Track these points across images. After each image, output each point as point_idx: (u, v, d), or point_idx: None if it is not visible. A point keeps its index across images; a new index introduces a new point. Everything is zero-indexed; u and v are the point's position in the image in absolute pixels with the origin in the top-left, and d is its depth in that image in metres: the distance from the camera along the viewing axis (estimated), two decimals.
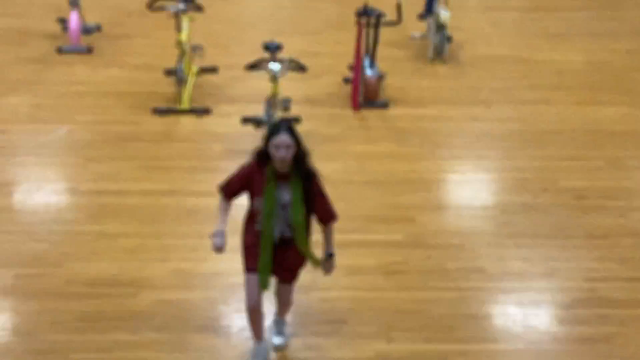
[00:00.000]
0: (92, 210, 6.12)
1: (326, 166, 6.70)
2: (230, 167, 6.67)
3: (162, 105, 7.76)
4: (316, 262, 4.47)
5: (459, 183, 6.73)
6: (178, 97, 7.79)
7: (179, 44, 7.66)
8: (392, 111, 7.88)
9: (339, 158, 6.98)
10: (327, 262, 4.51)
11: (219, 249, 4.39)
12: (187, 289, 5.35)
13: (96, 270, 5.48)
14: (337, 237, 5.82)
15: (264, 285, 4.39)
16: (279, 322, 4.90)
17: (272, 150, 4.14)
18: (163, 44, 9.11)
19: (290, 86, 8.07)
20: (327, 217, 4.39)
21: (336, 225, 5.99)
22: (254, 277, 4.38)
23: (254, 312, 4.47)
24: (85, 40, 9.08)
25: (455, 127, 7.63)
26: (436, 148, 7.20)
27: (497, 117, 7.84)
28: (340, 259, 5.64)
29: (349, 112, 7.82)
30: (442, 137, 7.42)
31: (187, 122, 7.53)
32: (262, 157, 4.22)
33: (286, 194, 4.24)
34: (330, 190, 6.42)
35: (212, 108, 7.73)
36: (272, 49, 6.98)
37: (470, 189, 6.62)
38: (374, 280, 5.49)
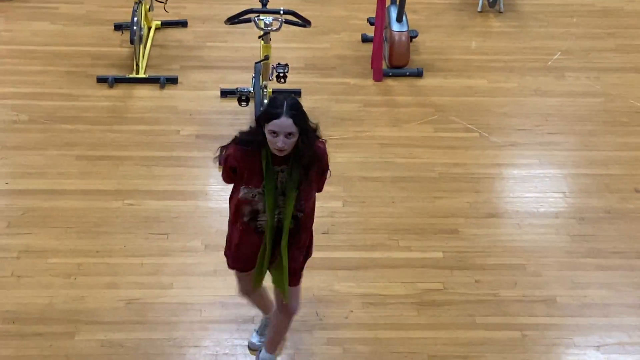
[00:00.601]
0: (13, 218, 6.13)
1: (337, 157, 6.75)
2: (204, 158, 6.75)
3: (110, 72, 7.77)
4: (279, 275, 4.63)
5: (520, 181, 6.73)
6: (132, 62, 7.80)
7: None
8: (428, 81, 7.89)
9: (355, 146, 7.00)
10: None
11: None
12: (145, 326, 5.35)
13: (18, 300, 5.47)
14: (352, 254, 5.89)
15: (256, 284, 4.75)
16: None
17: (269, 136, 4.28)
18: None
19: (288, 47, 8.07)
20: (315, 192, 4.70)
21: (351, 240, 6.05)
22: (244, 275, 4.80)
23: (248, 295, 4.96)
24: None
25: (514, 103, 7.63)
26: (488, 132, 7.21)
27: (572, 89, 7.84)
28: (356, 286, 5.67)
29: (368, 82, 7.83)
30: (495, 117, 7.43)
31: (145, 96, 7.54)
32: (253, 144, 4.36)
33: (285, 178, 4.45)
34: (343, 190, 6.46)
35: (180, 76, 7.75)
36: None
37: (534, 189, 6.63)
38: (402, 315, 5.50)
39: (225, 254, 4.79)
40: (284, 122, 4.20)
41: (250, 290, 4.86)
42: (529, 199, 6.52)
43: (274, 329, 4.98)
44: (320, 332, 5.34)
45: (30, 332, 5.26)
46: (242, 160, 4.41)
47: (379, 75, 7.85)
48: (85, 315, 5.38)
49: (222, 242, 5.81)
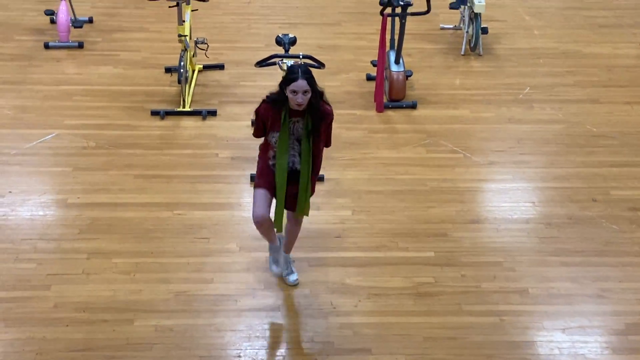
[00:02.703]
0: (83, 226, 6.13)
1: (347, 174, 6.75)
2: (238, 176, 6.74)
3: (162, 106, 7.78)
4: (306, 208, 5.19)
5: (497, 193, 6.70)
6: (179, 98, 7.82)
7: (181, 37, 7.68)
8: (421, 112, 7.86)
9: (361, 165, 6.97)
10: None
11: None
12: (191, 314, 5.33)
13: (88, 293, 5.48)
14: (360, 254, 5.87)
15: (279, 228, 5.21)
16: (287, 260, 5.50)
17: (290, 95, 4.86)
18: (162, 38, 9.14)
19: None
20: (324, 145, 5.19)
21: (359, 242, 6.03)
22: (262, 193, 5.16)
23: (260, 225, 5.21)
24: (75, 35, 9.13)
25: (492, 129, 7.60)
26: (470, 153, 7.17)
27: (539, 118, 7.80)
28: (363, 280, 5.64)
29: (372, 113, 7.81)
30: (477, 141, 7.40)
31: (190, 126, 7.54)
32: (278, 102, 4.94)
33: (300, 128, 5.00)
34: (352, 202, 6.44)
35: (218, 110, 7.75)
36: (286, 43, 6.98)
37: (509, 199, 6.59)
38: (401, 304, 5.46)
39: (256, 179, 5.23)
40: (301, 83, 4.82)
41: (262, 216, 5.13)
42: (504, 208, 6.48)
43: (289, 236, 5.41)
44: (335, 318, 5.31)
45: (98, 319, 5.25)
46: (269, 113, 4.99)
47: (381, 107, 7.83)
48: (142, 305, 5.38)
49: (254, 244, 5.87)
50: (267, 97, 5.03)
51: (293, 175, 5.13)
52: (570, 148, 7.28)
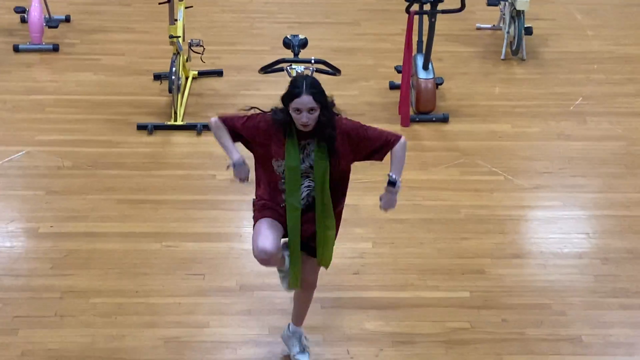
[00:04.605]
0: (57, 260, 6.13)
1: (366, 200, 6.73)
2: (239, 202, 6.74)
3: (150, 120, 7.81)
4: (325, 258, 4.89)
5: (544, 222, 6.67)
6: (170, 110, 7.84)
7: (172, 39, 7.71)
8: (454, 127, 7.86)
9: (383, 189, 6.93)
10: (385, 192, 5.00)
11: (244, 179, 5.02)
12: None
13: (61, 339, 5.45)
14: (382, 294, 5.84)
15: (295, 284, 4.89)
16: (297, 335, 5.22)
17: (293, 114, 4.64)
18: (151, 40, 9.18)
19: None
20: (388, 145, 4.83)
21: (381, 280, 6.00)
22: (267, 221, 4.81)
23: (267, 262, 4.83)
24: (49, 36, 9.17)
25: (538, 147, 7.59)
26: (512, 175, 7.16)
27: (594, 134, 7.79)
28: (385, 325, 5.61)
29: (396, 128, 7.78)
30: (520, 160, 7.39)
31: (183, 142, 7.56)
32: (283, 124, 4.69)
33: (312, 150, 4.76)
34: (373, 232, 6.42)
35: None
36: (295, 45, 7.00)
37: (559, 230, 6.56)
38: (430, 354, 5.42)
39: (256, 214, 4.92)
40: (305, 100, 4.57)
41: (270, 251, 4.73)
42: (553, 240, 6.45)
43: (299, 303, 5.15)
44: None
45: None
46: (266, 130, 4.73)
47: (407, 120, 7.83)
48: (125, 353, 5.35)
49: (257, 282, 5.85)
50: (273, 110, 4.75)
51: (309, 210, 4.84)
52: (631, 169, 7.27)
